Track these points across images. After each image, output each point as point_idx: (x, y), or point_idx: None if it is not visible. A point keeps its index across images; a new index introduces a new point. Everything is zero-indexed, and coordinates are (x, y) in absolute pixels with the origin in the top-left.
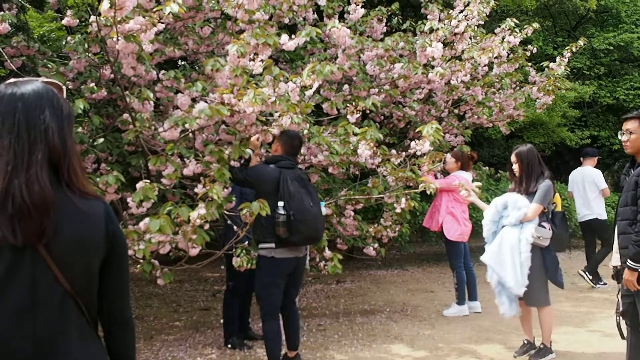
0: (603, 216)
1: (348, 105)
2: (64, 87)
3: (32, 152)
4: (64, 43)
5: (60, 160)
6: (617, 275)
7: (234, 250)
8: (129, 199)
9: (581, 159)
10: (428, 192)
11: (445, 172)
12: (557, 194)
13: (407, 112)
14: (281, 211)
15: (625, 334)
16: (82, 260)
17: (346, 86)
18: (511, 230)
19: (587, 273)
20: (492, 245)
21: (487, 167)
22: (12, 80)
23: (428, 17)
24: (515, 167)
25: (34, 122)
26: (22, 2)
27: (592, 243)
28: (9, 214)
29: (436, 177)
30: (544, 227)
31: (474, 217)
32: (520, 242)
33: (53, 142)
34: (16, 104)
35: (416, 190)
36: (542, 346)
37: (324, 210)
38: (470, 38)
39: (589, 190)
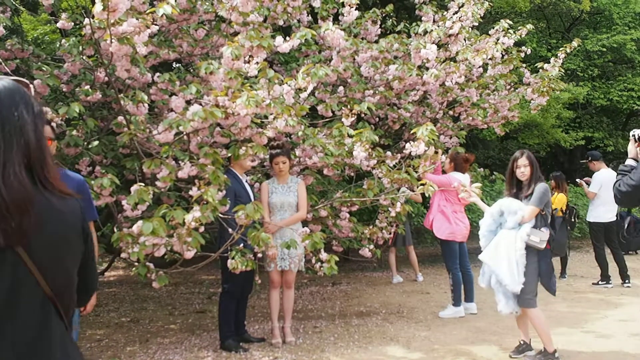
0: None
1: (343, 108)
2: (31, 86)
3: (8, 149)
4: (58, 46)
5: (36, 158)
6: None
7: (229, 252)
8: (123, 202)
9: (594, 162)
10: (427, 194)
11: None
12: (563, 195)
13: (402, 114)
14: None
15: None
16: (62, 261)
17: (341, 88)
18: (508, 231)
19: (627, 279)
20: (490, 244)
21: (482, 169)
22: None
23: (422, 18)
24: (527, 170)
25: (9, 118)
26: (16, 4)
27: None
28: None
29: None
30: (542, 231)
31: (469, 219)
32: (515, 241)
33: (29, 139)
34: None
35: (415, 193)
36: (543, 350)
37: None
38: (465, 39)
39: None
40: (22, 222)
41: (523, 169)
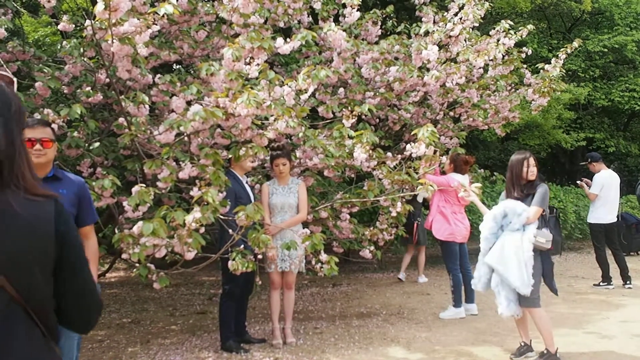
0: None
1: (344, 109)
2: (14, 80)
3: None
4: (59, 47)
5: (6, 162)
6: None
7: (229, 253)
8: (124, 203)
9: (594, 164)
10: (426, 195)
11: (441, 173)
12: None
13: (403, 115)
14: None
15: None
16: (29, 266)
17: (341, 89)
18: (513, 233)
19: (628, 280)
20: (494, 247)
21: (482, 170)
22: None
23: (423, 19)
24: (535, 169)
25: None
26: (17, 7)
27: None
28: None
29: None
30: (546, 232)
31: (470, 220)
32: (522, 242)
33: None
34: None
35: (414, 193)
36: (545, 351)
37: None
38: (465, 40)
39: (618, 194)
40: None
41: (533, 167)
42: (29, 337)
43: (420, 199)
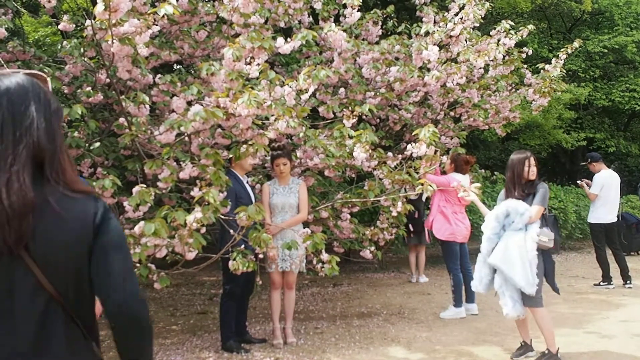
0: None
1: (344, 109)
2: (48, 79)
3: (15, 151)
4: (59, 47)
5: (47, 159)
6: None
7: (230, 253)
8: (125, 203)
9: (594, 164)
10: (426, 194)
11: (441, 173)
12: None
13: (403, 115)
14: None
15: None
16: (66, 263)
17: (342, 89)
18: (515, 232)
19: (628, 280)
20: (497, 247)
21: (483, 170)
22: None
23: (423, 19)
24: (535, 169)
25: (20, 118)
26: (18, 6)
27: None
28: None
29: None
30: (548, 231)
31: (470, 220)
32: (526, 242)
33: (38, 140)
34: (1, 100)
35: (414, 193)
36: (547, 352)
37: None
38: (466, 40)
39: (618, 194)
40: (21, 226)
41: (534, 167)
42: (68, 337)
43: (424, 198)
